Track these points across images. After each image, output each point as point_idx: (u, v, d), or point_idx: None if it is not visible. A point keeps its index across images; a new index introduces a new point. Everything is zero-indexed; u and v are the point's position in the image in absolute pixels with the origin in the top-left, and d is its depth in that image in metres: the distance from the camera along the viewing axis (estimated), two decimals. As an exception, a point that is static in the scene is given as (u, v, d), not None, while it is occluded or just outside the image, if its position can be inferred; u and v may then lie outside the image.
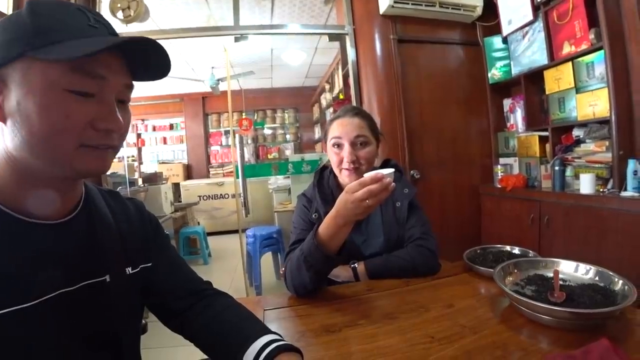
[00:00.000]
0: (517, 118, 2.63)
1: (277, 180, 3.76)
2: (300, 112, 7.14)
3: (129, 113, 0.55)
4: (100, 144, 0.50)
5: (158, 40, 0.49)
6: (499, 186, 2.51)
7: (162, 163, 6.52)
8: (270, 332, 0.62)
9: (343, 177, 1.06)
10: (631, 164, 1.81)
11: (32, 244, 0.50)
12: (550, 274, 0.78)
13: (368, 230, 1.06)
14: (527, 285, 0.77)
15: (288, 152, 6.82)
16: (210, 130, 6.93)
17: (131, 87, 0.54)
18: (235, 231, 3.45)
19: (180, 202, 5.07)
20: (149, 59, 0.52)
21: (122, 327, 0.60)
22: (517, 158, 2.56)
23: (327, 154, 1.10)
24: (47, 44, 0.45)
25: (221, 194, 5.79)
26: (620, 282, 0.69)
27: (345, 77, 2.87)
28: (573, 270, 0.79)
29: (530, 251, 0.96)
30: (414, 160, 2.58)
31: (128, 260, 0.63)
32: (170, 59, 0.53)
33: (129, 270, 0.62)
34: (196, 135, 6.79)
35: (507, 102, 2.76)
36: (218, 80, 5.01)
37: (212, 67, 5.05)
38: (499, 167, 2.60)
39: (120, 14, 2.28)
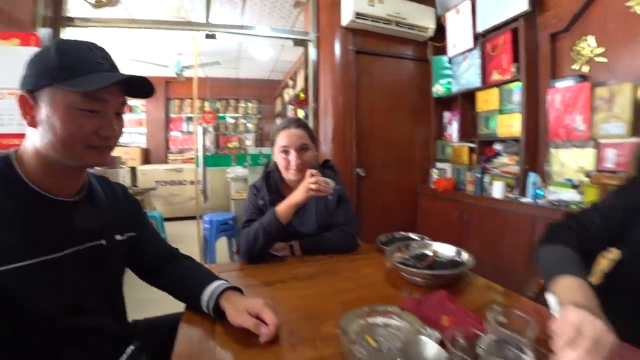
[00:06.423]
0: (453, 129, 3.00)
1: (236, 170, 3.92)
2: (263, 104, 7.27)
3: (122, 121, 0.77)
4: (101, 145, 0.71)
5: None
6: (433, 187, 2.88)
7: (119, 146, 6.37)
8: (222, 279, 0.87)
9: (290, 176, 1.31)
10: (531, 176, 2.22)
11: (55, 214, 0.71)
12: (431, 253, 1.08)
13: (304, 216, 1.31)
14: (411, 259, 1.06)
15: (249, 142, 6.92)
16: (171, 116, 6.86)
17: (125, 103, 0.76)
18: (192, 217, 3.57)
19: (137, 186, 5.04)
20: (139, 85, 0.74)
21: (114, 280, 0.84)
22: (450, 164, 2.95)
23: (275, 157, 1.34)
24: (69, 78, 0.65)
25: (179, 181, 5.80)
26: (468, 256, 1.00)
27: (307, 79, 3.10)
28: (445, 250, 1.09)
29: (426, 237, 1.26)
30: (360, 160, 2.88)
31: (117, 229, 0.85)
32: (154, 87, 0.76)
33: (118, 237, 0.85)
34: (156, 119, 6.71)
35: (446, 115, 3.13)
36: (183, 67, 5.02)
37: (178, 54, 5.05)
38: (435, 170, 2.98)
39: (91, -1, 2.34)
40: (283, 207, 1.17)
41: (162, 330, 0.91)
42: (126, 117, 6.89)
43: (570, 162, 2.13)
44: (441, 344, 0.59)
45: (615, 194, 0.86)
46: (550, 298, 0.64)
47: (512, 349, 0.62)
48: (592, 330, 0.51)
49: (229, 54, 5.24)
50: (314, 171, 1.17)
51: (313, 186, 1.13)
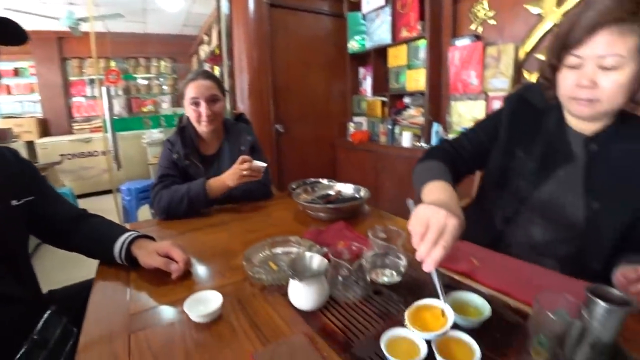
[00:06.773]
0: (367, 84, 3.15)
1: (152, 135, 3.70)
2: (178, 62, 6.70)
3: None
4: None
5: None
6: (350, 140, 3.06)
7: (7, 117, 5.48)
8: (133, 230, 0.88)
9: (202, 128, 1.31)
10: (435, 126, 2.47)
11: None
12: (334, 192, 1.21)
13: (220, 168, 1.34)
14: (317, 199, 1.17)
15: (165, 105, 6.43)
16: (71, 79, 6.01)
17: None
18: (110, 191, 3.33)
19: (37, 162, 4.46)
20: (6, 29, 0.67)
21: (16, 246, 0.80)
22: (365, 117, 3.13)
23: (186, 110, 1.32)
24: None
25: (89, 152, 5.24)
26: (364, 192, 1.15)
27: (220, 34, 2.96)
28: (347, 189, 1.23)
29: (333, 180, 1.38)
30: (279, 116, 2.92)
31: (12, 194, 0.80)
32: (25, 30, 0.69)
33: (14, 202, 0.80)
34: (52, 83, 5.81)
35: (362, 71, 3.25)
36: (78, 20, 4.37)
37: (70, 4, 4.37)
38: (351, 124, 3.15)
39: None
40: (215, 186, 1.19)
41: (82, 294, 0.90)
42: (12, 81, 5.99)
43: (466, 113, 2.41)
44: (327, 258, 0.70)
45: (480, 122, 1.00)
46: (409, 202, 0.68)
47: (391, 257, 0.77)
48: (436, 220, 0.56)
49: (133, 5, 4.67)
50: (246, 157, 1.19)
51: (245, 172, 1.16)
